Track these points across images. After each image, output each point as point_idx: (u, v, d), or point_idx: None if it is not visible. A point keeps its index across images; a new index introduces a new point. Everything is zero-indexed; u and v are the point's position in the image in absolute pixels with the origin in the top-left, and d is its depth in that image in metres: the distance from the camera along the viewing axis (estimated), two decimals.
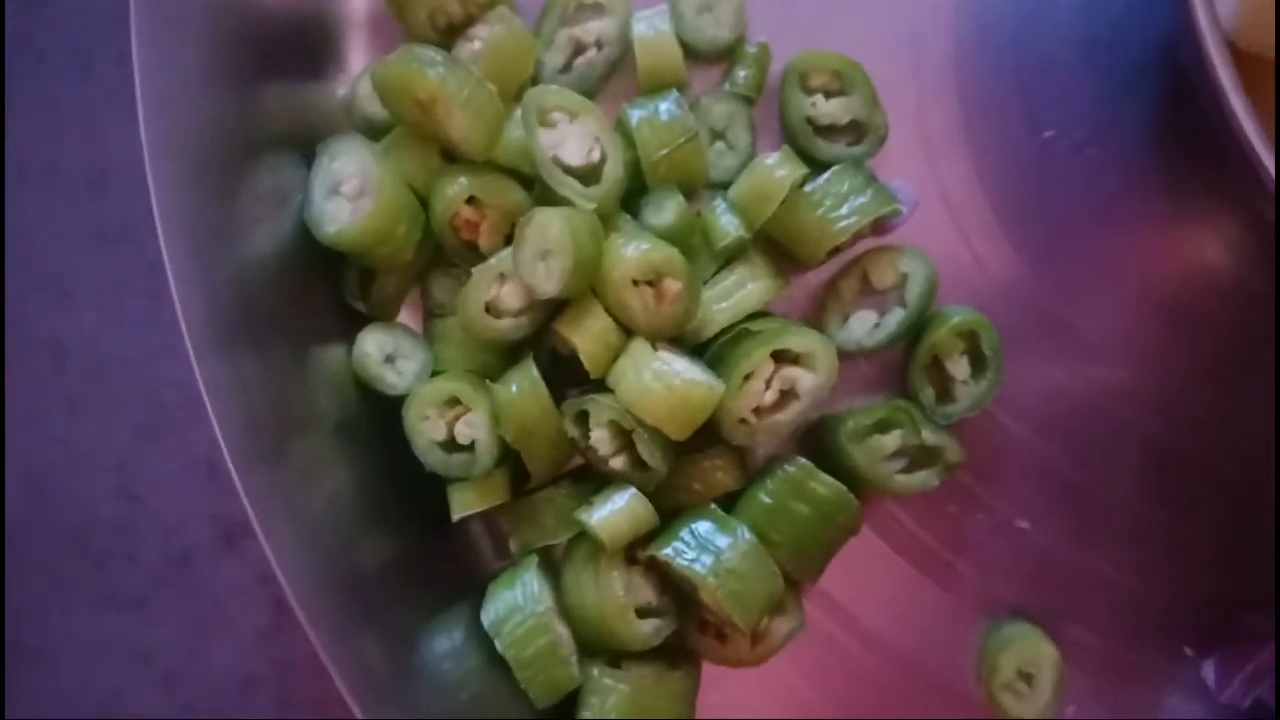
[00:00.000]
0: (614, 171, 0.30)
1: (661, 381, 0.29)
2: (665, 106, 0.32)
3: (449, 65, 0.30)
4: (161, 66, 0.29)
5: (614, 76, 0.34)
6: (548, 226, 0.29)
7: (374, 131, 0.33)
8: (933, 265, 0.32)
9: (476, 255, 0.32)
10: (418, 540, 0.34)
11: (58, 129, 0.37)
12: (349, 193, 0.31)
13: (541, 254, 0.30)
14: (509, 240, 0.31)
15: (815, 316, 0.34)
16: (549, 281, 0.30)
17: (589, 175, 0.31)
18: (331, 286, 0.33)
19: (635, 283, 0.30)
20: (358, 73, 0.35)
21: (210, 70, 0.31)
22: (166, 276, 0.28)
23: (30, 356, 0.37)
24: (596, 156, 0.31)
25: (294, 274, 0.32)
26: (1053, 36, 0.34)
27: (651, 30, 0.33)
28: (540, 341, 0.32)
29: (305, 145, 0.33)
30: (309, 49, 0.35)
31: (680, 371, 0.29)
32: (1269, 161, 0.27)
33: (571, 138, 0.31)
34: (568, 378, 0.32)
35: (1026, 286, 0.34)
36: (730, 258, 0.32)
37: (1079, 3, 0.34)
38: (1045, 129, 0.34)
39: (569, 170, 0.31)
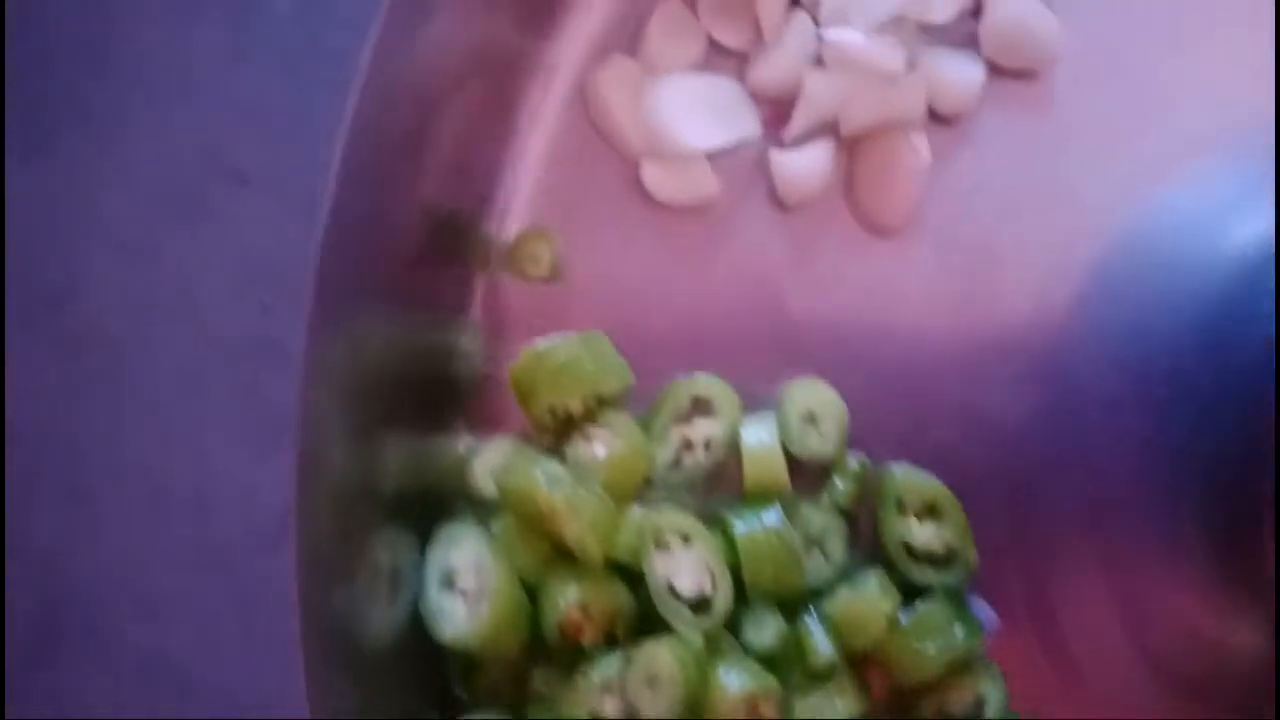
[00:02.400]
0: (723, 604, 0.32)
1: None
2: (770, 521, 0.33)
3: (570, 485, 0.32)
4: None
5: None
6: (657, 658, 0.31)
7: (487, 507, 0.35)
8: (1006, 690, 0.34)
9: (579, 651, 0.33)
10: None
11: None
12: (465, 589, 0.33)
13: (649, 681, 0.31)
14: (610, 637, 0.33)
15: None
16: (655, 707, 0.31)
17: (699, 603, 0.32)
18: (431, 669, 0.34)
19: None
20: (478, 431, 0.36)
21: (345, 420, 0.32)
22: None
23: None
24: (708, 588, 0.32)
25: (401, 658, 0.33)
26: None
27: (759, 442, 0.34)
28: None
29: (423, 509, 0.34)
30: (433, 400, 0.36)
31: None
32: None
33: (685, 565, 0.32)
34: None
35: None
36: (822, 677, 0.34)
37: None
38: None
39: (680, 598, 0.32)
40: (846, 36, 0.33)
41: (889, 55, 0.33)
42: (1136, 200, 0.36)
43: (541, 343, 0.34)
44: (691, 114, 0.35)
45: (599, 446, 0.34)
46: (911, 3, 0.33)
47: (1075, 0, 0.36)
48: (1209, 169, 0.37)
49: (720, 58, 0.36)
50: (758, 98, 0.36)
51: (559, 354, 0.34)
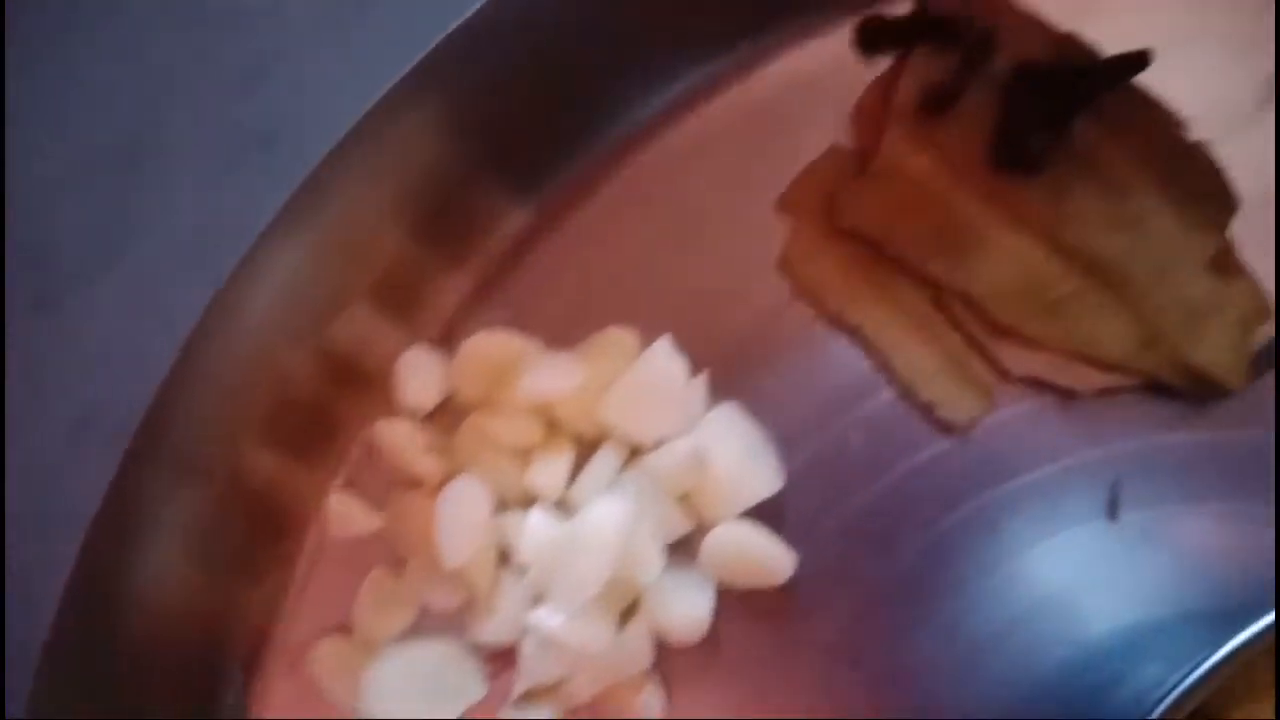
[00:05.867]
0: None
1: None
2: None
3: None
4: None
5: None
6: None
7: None
8: None
9: None
10: None
11: None
12: None
13: None
14: None
15: None
16: None
17: None
18: None
19: None
20: None
21: None
22: None
23: None
24: None
25: None
26: None
27: None
28: None
29: None
30: None
31: None
32: None
33: None
34: None
35: None
36: None
37: None
38: None
39: None
40: (548, 620, 0.31)
41: (592, 638, 0.31)
42: None
43: None
44: (410, 694, 0.33)
45: None
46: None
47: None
48: None
49: (439, 617, 0.34)
50: (482, 652, 0.34)
51: None
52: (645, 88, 0.35)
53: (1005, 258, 0.33)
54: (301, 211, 0.32)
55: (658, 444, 0.33)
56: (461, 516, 0.32)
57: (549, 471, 0.33)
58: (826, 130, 0.35)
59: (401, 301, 0.35)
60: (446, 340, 0.35)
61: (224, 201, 0.35)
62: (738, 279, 0.35)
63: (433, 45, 0.33)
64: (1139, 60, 0.32)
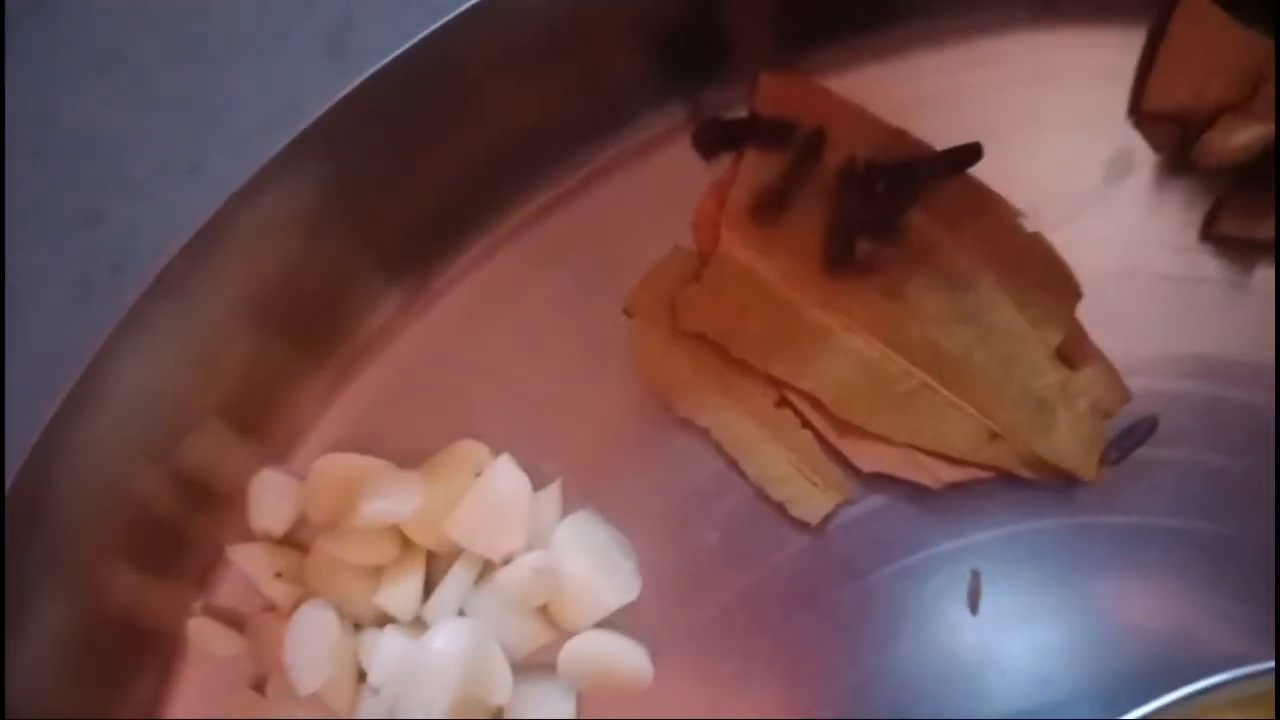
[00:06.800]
0: None
1: None
2: None
3: None
4: None
5: None
6: None
7: None
8: None
9: None
10: None
11: None
12: None
13: None
14: None
15: None
16: None
17: None
18: None
19: None
20: None
21: None
22: None
23: None
24: None
25: None
26: None
27: None
28: None
29: None
30: None
31: None
32: None
33: None
34: None
35: None
36: None
37: None
38: None
39: None
40: None
41: None
42: None
43: None
44: None
45: None
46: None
47: None
48: None
49: None
50: None
51: None
52: (492, 199, 0.35)
53: (845, 357, 0.33)
54: (142, 327, 0.32)
55: (507, 559, 0.33)
56: (310, 643, 0.32)
57: (400, 592, 0.33)
58: (674, 234, 0.35)
59: (255, 416, 0.35)
60: (302, 454, 0.35)
61: (77, 331, 0.35)
62: (591, 384, 0.35)
63: (271, 155, 0.33)
64: (970, 153, 0.32)
